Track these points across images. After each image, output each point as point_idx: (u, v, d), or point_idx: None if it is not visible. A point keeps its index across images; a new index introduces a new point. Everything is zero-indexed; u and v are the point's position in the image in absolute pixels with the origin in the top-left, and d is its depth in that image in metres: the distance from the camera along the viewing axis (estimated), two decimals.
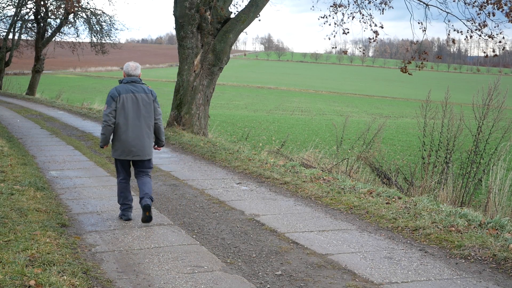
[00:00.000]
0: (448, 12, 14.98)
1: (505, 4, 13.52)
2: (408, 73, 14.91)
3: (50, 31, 37.69)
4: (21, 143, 12.60)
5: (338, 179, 8.65)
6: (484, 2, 14.01)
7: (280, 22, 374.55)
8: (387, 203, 6.95)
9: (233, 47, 15.26)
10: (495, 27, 14.36)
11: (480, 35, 14.53)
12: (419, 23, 15.36)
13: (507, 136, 9.32)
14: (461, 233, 5.64)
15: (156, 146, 6.55)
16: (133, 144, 6.18)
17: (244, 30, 14.76)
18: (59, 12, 34.74)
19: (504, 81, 9.59)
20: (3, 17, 39.22)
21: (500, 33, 14.35)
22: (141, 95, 6.26)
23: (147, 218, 6.07)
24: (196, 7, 14.17)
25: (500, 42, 14.37)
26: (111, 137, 6.29)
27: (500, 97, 9.19)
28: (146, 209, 6.03)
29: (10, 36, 39.38)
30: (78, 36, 43.08)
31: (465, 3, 14.38)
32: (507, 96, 9.34)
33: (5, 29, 39.57)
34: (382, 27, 15.89)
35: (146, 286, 4.32)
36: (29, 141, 12.97)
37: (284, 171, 9.21)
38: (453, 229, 5.77)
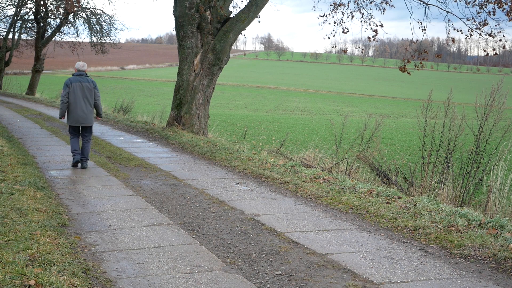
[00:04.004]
0: (448, 11, 14.96)
1: (505, 3, 13.50)
2: (407, 73, 14.89)
3: (50, 31, 37.69)
4: (21, 143, 12.59)
5: (338, 178, 8.65)
6: (484, 1, 13.99)
7: (281, 22, 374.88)
8: (387, 203, 6.95)
9: (233, 46, 15.25)
10: (496, 25, 14.34)
11: (480, 34, 14.51)
12: (418, 22, 15.34)
13: (508, 136, 9.32)
14: (461, 233, 5.64)
15: (97, 116, 9.98)
16: (80, 116, 9.44)
17: (243, 32, 14.76)
18: (59, 12, 34.74)
19: (504, 81, 9.59)
20: (3, 16, 39.24)
21: (501, 31, 14.33)
22: (86, 84, 9.45)
23: (82, 166, 9.52)
24: (196, 7, 14.16)
25: (500, 40, 14.35)
26: (66, 111, 9.48)
27: (501, 98, 9.19)
28: (83, 165, 9.52)
29: (10, 36, 39.39)
30: (78, 36, 43.17)
31: (465, 3, 14.35)
32: (507, 97, 9.34)
33: (5, 29, 39.59)
34: (381, 26, 15.87)
35: (146, 286, 4.32)
36: (29, 141, 12.96)
37: (284, 171, 9.21)
38: (453, 228, 5.77)
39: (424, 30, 15.19)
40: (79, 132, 9.72)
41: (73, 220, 6.15)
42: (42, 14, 36.42)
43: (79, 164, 9.57)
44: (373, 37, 15.76)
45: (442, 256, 5.17)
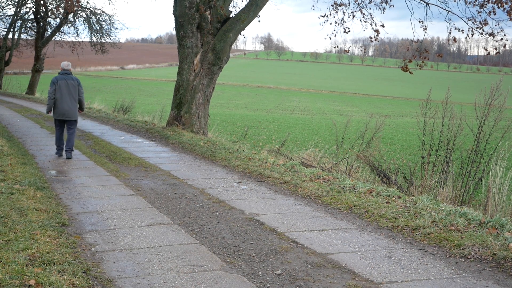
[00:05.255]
0: (448, 11, 14.95)
1: (506, 3, 13.49)
2: (409, 72, 14.88)
3: (49, 30, 37.71)
4: (21, 142, 12.59)
5: (338, 178, 8.65)
6: (485, 0, 13.98)
7: (282, 22, 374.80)
8: (387, 202, 6.95)
9: (233, 46, 15.25)
10: (496, 25, 14.32)
11: (481, 33, 14.49)
12: (419, 21, 15.32)
13: (507, 135, 9.31)
14: (461, 232, 5.64)
15: (80, 110, 10.84)
16: (66, 110, 10.41)
17: (243, 32, 14.76)
18: (59, 12, 34.74)
19: (504, 81, 9.58)
20: (3, 16, 39.25)
21: (501, 31, 14.32)
22: (70, 81, 10.46)
23: (67, 157, 10.45)
24: (196, 7, 14.16)
25: (501, 39, 14.35)
26: (53, 106, 10.46)
27: (501, 98, 9.18)
28: (68, 156, 10.46)
29: (10, 36, 39.41)
30: (77, 35, 43.24)
31: (465, 2, 14.35)
32: (508, 96, 9.34)
33: (5, 28, 39.63)
34: (383, 26, 15.87)
35: (146, 285, 4.32)
36: (29, 141, 12.96)
37: (284, 171, 9.21)
38: (453, 228, 5.76)
39: (425, 29, 15.17)
40: (63, 126, 10.71)
41: (73, 220, 6.15)
42: (42, 14, 36.42)
43: (64, 154, 10.66)
44: (374, 37, 15.75)
45: (442, 255, 5.17)
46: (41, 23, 36.80)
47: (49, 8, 35.77)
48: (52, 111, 10.57)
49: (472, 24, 14.46)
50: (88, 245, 5.25)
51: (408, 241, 5.62)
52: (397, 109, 50.61)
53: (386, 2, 15.84)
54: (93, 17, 35.97)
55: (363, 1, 15.78)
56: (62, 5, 32.27)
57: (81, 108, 10.83)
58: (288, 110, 43.45)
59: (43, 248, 4.77)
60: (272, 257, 5.09)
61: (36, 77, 37.59)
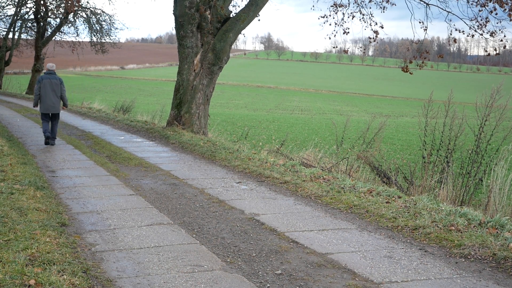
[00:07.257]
0: (448, 12, 14.95)
1: (506, 3, 13.49)
2: (409, 72, 14.88)
3: (50, 30, 37.77)
4: (21, 142, 12.60)
5: (338, 178, 8.64)
6: (486, 0, 13.97)
7: (283, 21, 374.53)
8: (387, 202, 6.95)
9: (233, 46, 15.25)
10: (497, 23, 14.32)
11: (481, 34, 14.49)
12: (420, 22, 15.32)
13: (509, 136, 9.31)
14: (461, 232, 5.64)
15: (63, 107, 12.49)
16: (50, 105, 12.13)
17: (243, 31, 14.76)
18: (59, 12, 34.77)
19: (505, 81, 9.58)
20: (3, 16, 39.30)
21: (502, 30, 14.32)
22: (54, 80, 12.10)
23: (50, 143, 12.17)
24: (196, 6, 14.16)
25: (501, 40, 14.35)
26: (39, 102, 12.23)
27: (503, 99, 9.17)
28: (51, 143, 12.18)
29: (10, 36, 39.44)
30: (78, 35, 43.26)
31: (467, 2, 14.34)
32: (510, 98, 9.33)
33: (5, 28, 39.69)
34: (382, 27, 15.86)
35: (146, 285, 4.32)
36: (29, 141, 12.96)
37: (284, 170, 9.21)
38: (453, 228, 5.76)
39: (426, 30, 15.16)
40: (49, 118, 12.31)
41: (73, 220, 6.15)
42: (42, 14, 36.45)
43: (50, 142, 12.16)
44: (374, 37, 15.75)
45: (442, 255, 5.17)
46: (41, 23, 36.83)
47: (49, 8, 35.80)
48: (38, 106, 12.28)
49: (474, 24, 14.46)
50: (88, 245, 5.25)
51: (408, 241, 5.62)
52: (397, 109, 50.60)
53: (387, 1, 15.83)
54: (93, 17, 36.01)
55: (363, 1, 15.77)
56: (62, 5, 32.31)
57: (64, 104, 12.41)
58: (288, 110, 43.45)
59: (43, 248, 4.77)
60: (272, 257, 5.08)
61: (36, 77, 37.54)
